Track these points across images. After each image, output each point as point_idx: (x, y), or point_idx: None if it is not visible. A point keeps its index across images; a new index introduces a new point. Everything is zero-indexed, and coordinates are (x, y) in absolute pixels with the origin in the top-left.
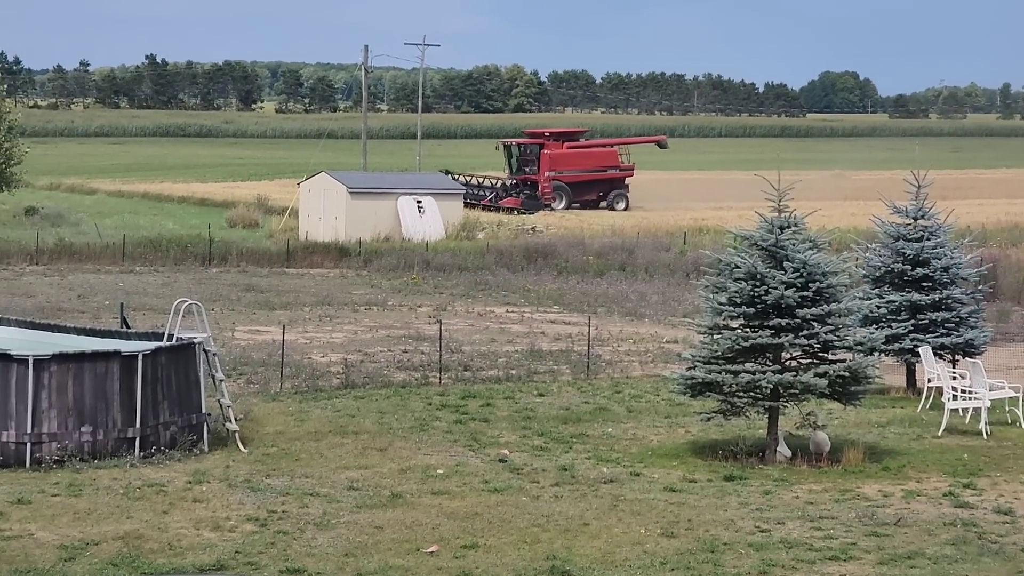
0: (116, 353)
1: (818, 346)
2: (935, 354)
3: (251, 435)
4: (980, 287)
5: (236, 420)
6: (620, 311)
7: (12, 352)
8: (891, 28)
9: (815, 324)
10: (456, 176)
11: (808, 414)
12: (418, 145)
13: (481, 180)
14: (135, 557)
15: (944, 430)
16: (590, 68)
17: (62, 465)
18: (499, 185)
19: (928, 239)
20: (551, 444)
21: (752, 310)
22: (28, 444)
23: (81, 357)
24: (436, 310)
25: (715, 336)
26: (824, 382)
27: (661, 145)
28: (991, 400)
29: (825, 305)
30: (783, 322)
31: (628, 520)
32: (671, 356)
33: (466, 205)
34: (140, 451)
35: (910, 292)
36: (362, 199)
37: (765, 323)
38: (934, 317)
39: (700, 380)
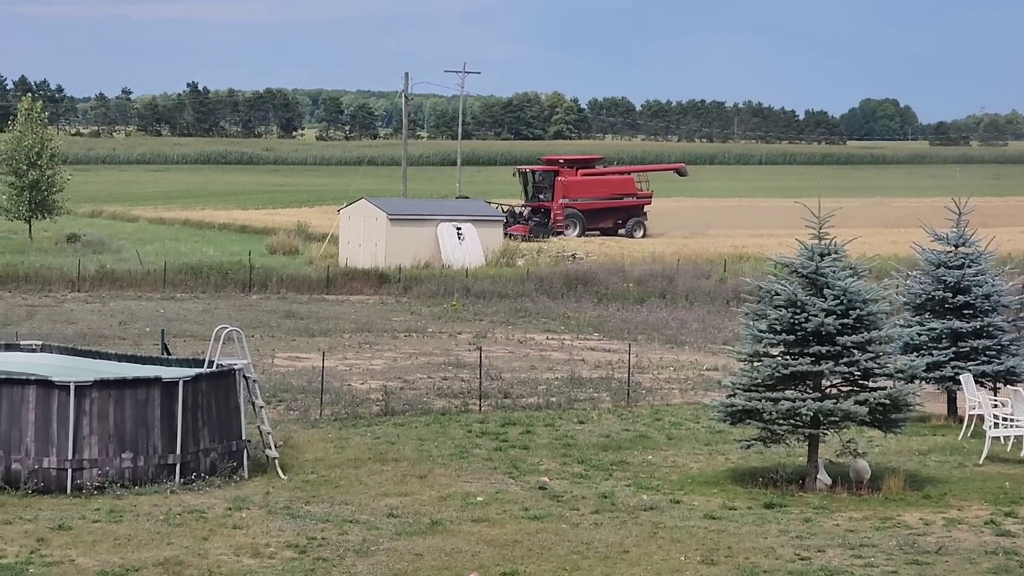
0: (157, 380)
1: (858, 374)
2: (976, 382)
3: (291, 462)
4: (1021, 315)
5: (276, 447)
6: (660, 338)
7: (54, 378)
8: (932, 55)
9: (855, 351)
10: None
11: (848, 442)
12: (458, 172)
13: (497, 207)
14: None
15: (985, 458)
16: (630, 95)
17: (103, 491)
18: (507, 211)
19: (969, 266)
20: (591, 471)
21: (792, 337)
22: (69, 470)
23: (122, 383)
24: (476, 337)
25: (755, 363)
26: (864, 409)
27: (680, 173)
28: None
29: (865, 332)
30: (823, 349)
31: (668, 547)
32: (711, 384)
33: None
34: (180, 477)
35: (951, 320)
36: (402, 226)
37: (805, 350)
38: (975, 345)
39: (740, 407)
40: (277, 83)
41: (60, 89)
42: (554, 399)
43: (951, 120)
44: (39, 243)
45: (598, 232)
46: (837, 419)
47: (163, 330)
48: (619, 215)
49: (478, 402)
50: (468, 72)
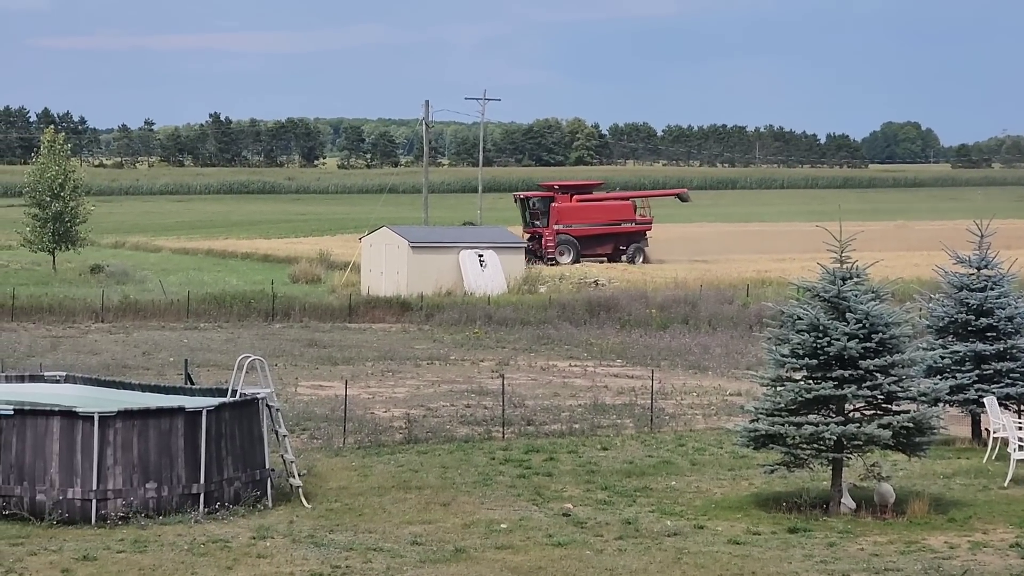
0: (180, 409)
1: (882, 397)
2: (1000, 404)
3: (314, 490)
4: None
5: (299, 475)
6: (683, 364)
7: (78, 409)
8: (953, 78)
9: (878, 375)
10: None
11: (872, 465)
12: (479, 199)
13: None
14: None
15: (1010, 481)
16: (651, 120)
17: (127, 521)
18: None
19: (992, 289)
20: (615, 498)
21: (815, 362)
22: (93, 500)
23: (146, 413)
24: (499, 364)
25: (778, 388)
26: (888, 433)
27: (682, 198)
28: None
29: (888, 356)
30: (846, 373)
31: (692, 573)
32: (734, 409)
33: None
34: (204, 507)
35: (974, 342)
36: (424, 253)
37: (828, 374)
38: (999, 367)
39: (763, 432)
40: (298, 112)
41: (83, 121)
42: (577, 426)
43: (973, 142)
44: (63, 274)
45: (602, 259)
46: (861, 443)
47: (187, 360)
48: (618, 241)
49: (501, 429)
50: (488, 99)
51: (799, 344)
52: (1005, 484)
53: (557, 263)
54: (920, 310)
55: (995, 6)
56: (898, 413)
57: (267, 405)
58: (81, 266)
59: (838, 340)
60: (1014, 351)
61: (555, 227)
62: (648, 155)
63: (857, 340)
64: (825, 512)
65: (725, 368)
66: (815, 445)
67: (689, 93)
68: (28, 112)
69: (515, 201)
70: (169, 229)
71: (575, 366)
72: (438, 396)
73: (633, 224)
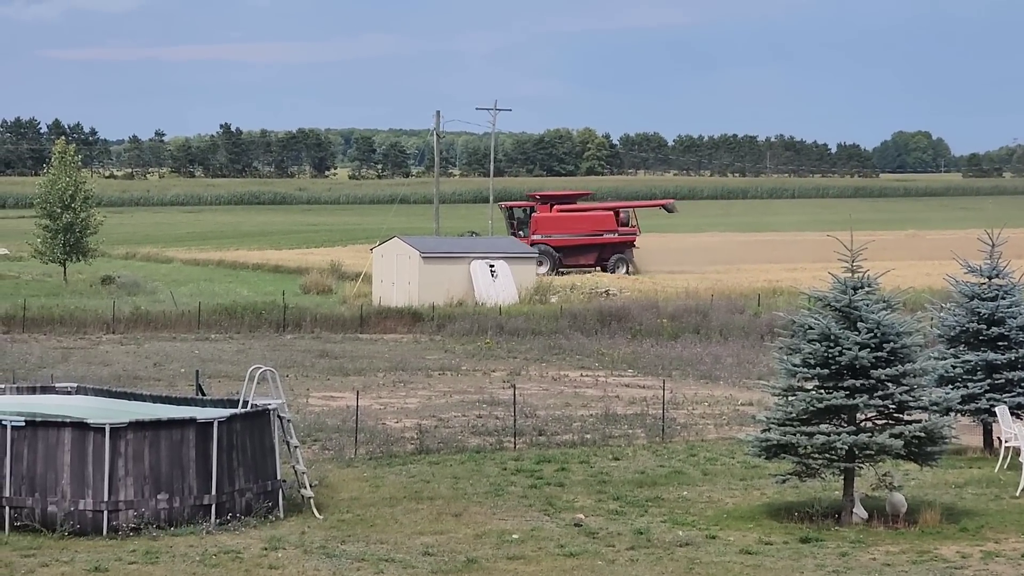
0: (192, 420)
1: (893, 407)
2: (1012, 413)
3: (326, 501)
4: None
5: (311, 486)
6: (695, 374)
7: (89, 420)
8: (963, 87)
9: (890, 384)
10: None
11: (884, 475)
12: (490, 209)
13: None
14: None
15: (1022, 490)
16: (662, 130)
17: (139, 533)
18: None
19: (1003, 298)
20: (626, 508)
21: (826, 371)
22: (105, 512)
23: (157, 425)
24: (510, 375)
25: (789, 398)
26: (900, 443)
27: (668, 209)
28: None
29: (900, 365)
30: (857, 383)
31: None
32: (746, 419)
33: None
34: (216, 518)
35: (985, 351)
36: (435, 264)
37: (839, 384)
38: (1010, 376)
39: (775, 442)
40: (309, 123)
41: (94, 132)
42: (589, 436)
43: (984, 152)
44: (74, 285)
45: (585, 269)
46: (872, 452)
47: (198, 371)
48: (602, 252)
49: (513, 440)
50: (499, 109)
51: (811, 354)
52: (1017, 493)
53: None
54: (931, 319)
55: (1007, 16)
56: (910, 423)
57: (278, 416)
58: (92, 277)
59: (849, 350)
60: None
61: (533, 237)
62: (659, 165)
63: (869, 350)
64: (837, 522)
65: (736, 378)
66: (827, 455)
67: (700, 103)
68: (39, 123)
69: (501, 210)
70: (180, 240)
71: (586, 376)
72: (449, 407)
73: (616, 235)
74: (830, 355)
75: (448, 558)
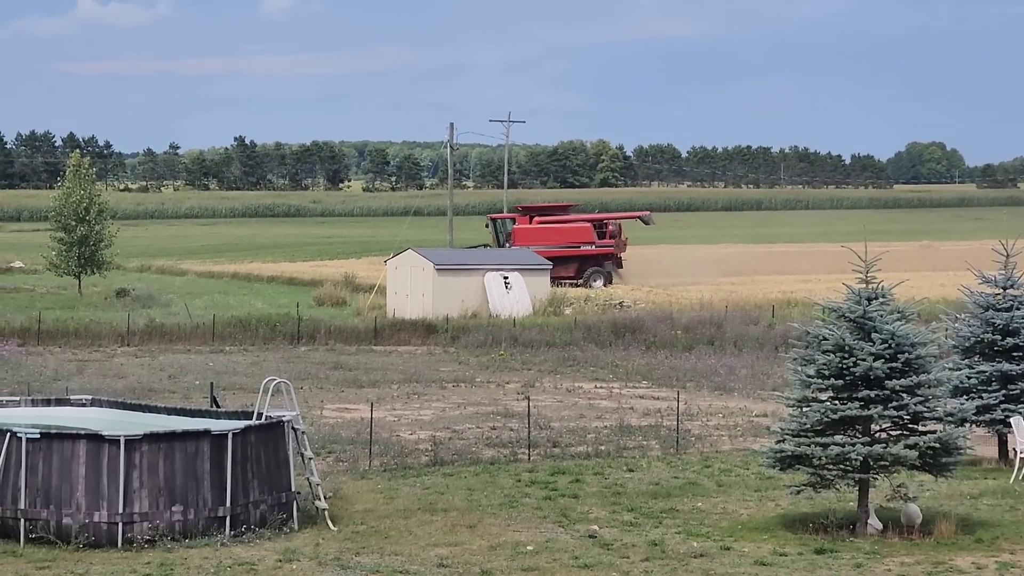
0: (206, 432)
1: (908, 417)
2: None
3: (340, 513)
4: None
5: (325, 498)
6: (709, 385)
7: (104, 432)
8: (977, 98)
9: (904, 395)
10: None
11: (899, 486)
12: None
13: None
14: None
15: None
16: (676, 142)
17: (153, 545)
18: None
19: (1018, 308)
20: (641, 519)
21: (841, 382)
22: (120, 524)
23: (172, 437)
24: (524, 386)
25: (804, 409)
26: (914, 454)
27: (645, 221)
28: None
29: (914, 376)
30: (872, 394)
31: None
32: (760, 430)
33: None
34: (231, 530)
35: (1000, 362)
36: (449, 276)
37: (854, 395)
38: None
39: (789, 453)
40: (323, 135)
41: (108, 145)
42: (603, 447)
43: (998, 162)
44: (88, 298)
45: (565, 282)
46: (887, 463)
47: (212, 383)
48: (583, 263)
49: (527, 451)
50: (513, 121)
51: (825, 365)
52: None
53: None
54: (946, 330)
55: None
56: (924, 433)
57: (293, 428)
58: (107, 290)
59: (864, 360)
60: None
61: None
62: (673, 176)
63: (883, 360)
64: (852, 533)
65: (751, 389)
66: (841, 466)
67: (714, 114)
68: (54, 136)
69: (486, 225)
70: (194, 253)
71: (601, 388)
72: (464, 418)
73: (593, 247)
74: (844, 366)
75: (463, 570)
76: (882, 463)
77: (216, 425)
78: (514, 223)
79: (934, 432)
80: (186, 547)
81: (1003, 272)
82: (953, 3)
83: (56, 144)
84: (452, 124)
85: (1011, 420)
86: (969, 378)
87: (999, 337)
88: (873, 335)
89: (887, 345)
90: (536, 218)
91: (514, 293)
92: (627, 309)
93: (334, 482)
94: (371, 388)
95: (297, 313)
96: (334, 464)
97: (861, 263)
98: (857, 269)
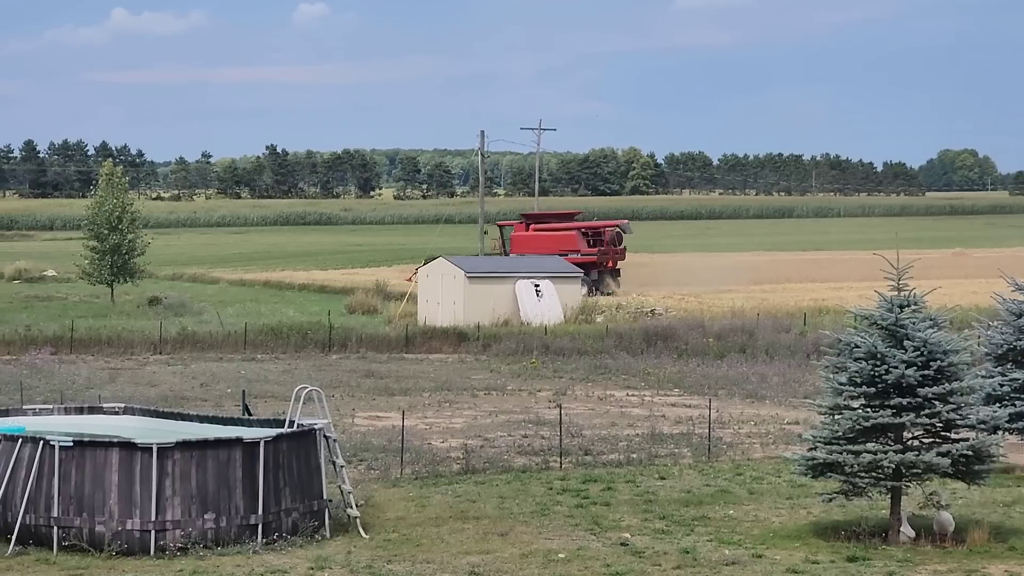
0: (238, 440)
1: (940, 425)
2: None
3: (372, 521)
4: None
5: (357, 506)
6: (741, 393)
7: (136, 440)
8: (1009, 105)
9: (937, 403)
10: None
11: (931, 494)
12: None
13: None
14: None
15: None
16: (707, 149)
17: (186, 552)
18: None
19: None
20: (673, 527)
21: (873, 390)
22: (152, 532)
23: (204, 445)
24: (556, 394)
25: (836, 416)
26: (947, 461)
27: (623, 230)
28: None
29: (947, 384)
30: (904, 401)
31: None
32: (792, 437)
33: None
34: (263, 538)
35: None
36: (480, 284)
37: (886, 402)
38: None
39: (821, 461)
40: (354, 144)
41: (141, 154)
42: (635, 455)
43: None
44: (121, 307)
45: None
46: (919, 471)
47: (244, 391)
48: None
49: (559, 459)
50: (544, 129)
51: (857, 372)
52: None
53: None
54: (978, 338)
55: None
56: (957, 441)
57: (324, 436)
58: (139, 298)
59: (896, 368)
60: None
61: (512, 255)
62: (704, 184)
63: (915, 368)
64: (884, 541)
65: (783, 397)
66: (873, 473)
67: (745, 122)
68: (86, 146)
69: (486, 232)
70: (226, 261)
71: (632, 396)
72: (495, 426)
73: (579, 255)
74: (876, 373)
75: None
76: (914, 471)
77: (248, 433)
78: (513, 230)
79: (967, 440)
80: (218, 555)
81: None
82: (985, 10)
83: (89, 153)
84: (483, 132)
85: None
86: (1002, 385)
87: None
88: (905, 343)
89: (919, 353)
90: (532, 225)
91: (545, 301)
92: (659, 317)
93: (366, 490)
94: (402, 396)
95: (328, 321)
96: (366, 472)
97: (893, 270)
98: (889, 276)
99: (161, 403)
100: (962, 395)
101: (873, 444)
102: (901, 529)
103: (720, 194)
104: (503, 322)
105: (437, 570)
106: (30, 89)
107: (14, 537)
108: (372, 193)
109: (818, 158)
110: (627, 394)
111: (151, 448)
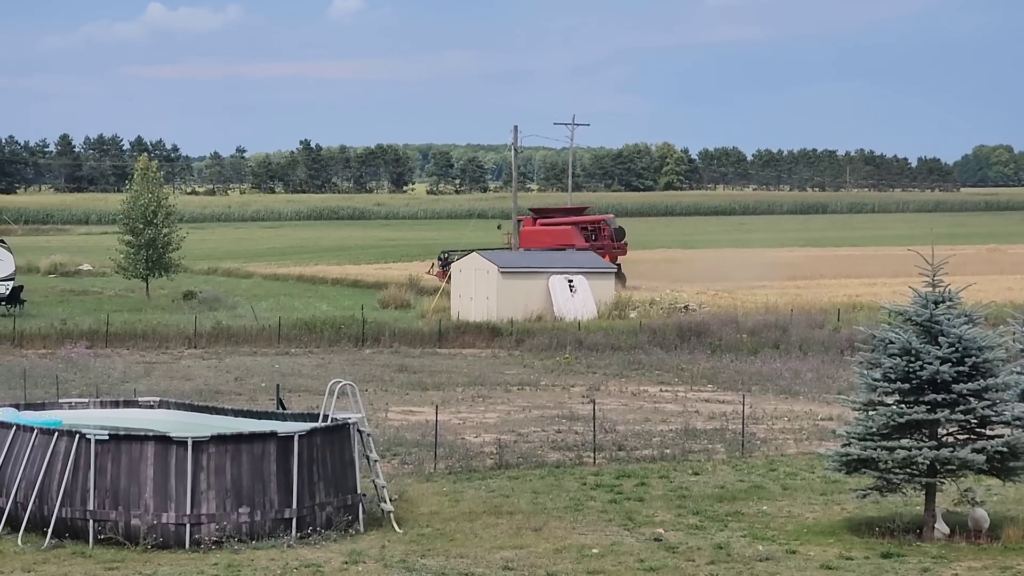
0: (273, 434)
1: (975, 421)
2: None
3: (406, 515)
4: None
5: (391, 500)
6: (774, 389)
7: (172, 434)
8: None
9: (971, 399)
10: (446, 253)
11: (966, 490)
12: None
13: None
14: None
15: None
16: (741, 145)
17: (220, 546)
18: (444, 258)
19: None
20: (706, 522)
21: (907, 386)
22: (187, 525)
23: (238, 438)
24: (589, 390)
25: (870, 412)
26: (982, 458)
27: (607, 224)
28: None
29: (981, 380)
30: (939, 397)
31: None
32: (826, 433)
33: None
34: (297, 532)
35: None
36: (513, 279)
37: (920, 399)
38: None
39: (855, 457)
40: (388, 139)
41: (176, 148)
42: (668, 451)
43: None
44: (156, 301)
45: None
46: (954, 467)
47: (278, 385)
48: None
49: (592, 455)
50: (577, 124)
51: (891, 368)
52: None
53: None
54: (1014, 334)
55: None
56: (992, 437)
57: (358, 430)
58: (174, 292)
59: (930, 364)
60: None
61: (521, 249)
62: (738, 180)
63: (950, 364)
64: (918, 537)
65: (816, 393)
66: (908, 470)
67: (779, 117)
68: (122, 140)
69: (499, 226)
70: (260, 255)
71: (666, 391)
72: (529, 421)
73: (575, 249)
74: (911, 369)
75: (528, 572)
76: (949, 467)
77: (283, 427)
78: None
79: (1002, 436)
80: (252, 548)
81: None
82: (1020, 5)
83: (124, 148)
84: (516, 127)
85: None
86: None
87: None
88: (940, 339)
89: (954, 349)
90: (539, 220)
91: (579, 296)
92: (692, 312)
93: (399, 484)
94: (436, 391)
95: (362, 315)
96: (399, 467)
97: (927, 266)
98: (923, 272)
99: (196, 397)
100: (997, 391)
101: (907, 440)
102: (935, 526)
103: (754, 190)
104: (536, 317)
105: (471, 565)
106: (66, 84)
107: (50, 530)
108: (405, 188)
109: (852, 154)
110: (660, 390)
111: (186, 442)
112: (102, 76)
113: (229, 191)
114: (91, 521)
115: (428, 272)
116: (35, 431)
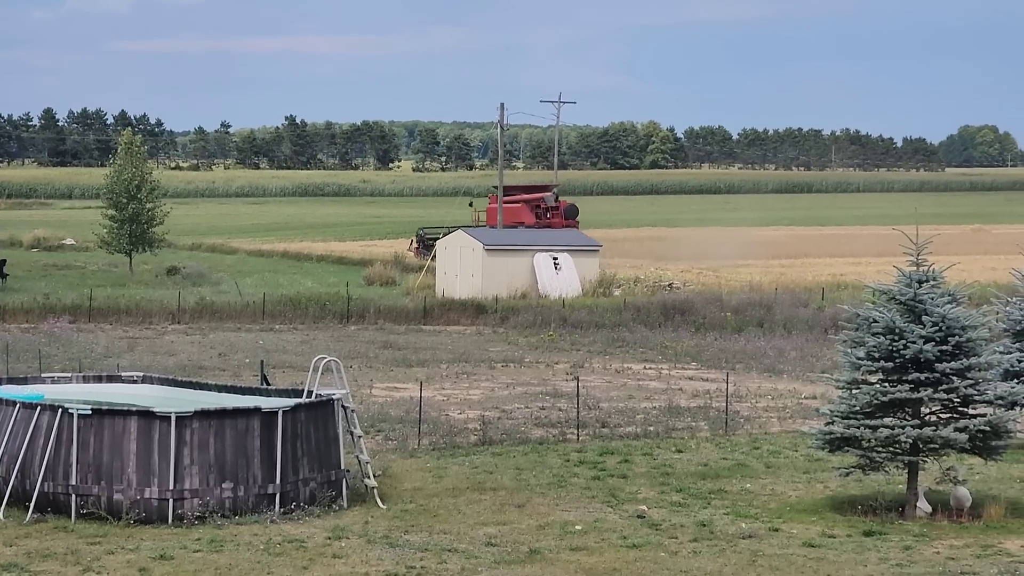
0: (256, 410)
1: (958, 400)
2: None
3: (389, 491)
4: None
5: (374, 476)
6: (758, 367)
7: (155, 409)
8: None
9: (954, 378)
10: (423, 231)
11: (948, 469)
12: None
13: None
14: None
15: None
16: (727, 124)
17: (203, 521)
18: (421, 236)
19: None
20: (689, 500)
21: (890, 364)
22: (170, 500)
23: (222, 414)
24: (573, 367)
25: (853, 391)
26: (964, 436)
27: (554, 196)
28: None
29: (964, 359)
30: (922, 376)
31: (767, 575)
32: (809, 412)
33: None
34: (280, 507)
35: None
36: (498, 256)
37: (904, 377)
38: None
39: (839, 435)
40: (374, 115)
41: (160, 123)
42: (652, 428)
43: None
44: (139, 276)
45: None
46: (936, 446)
47: (262, 361)
48: None
49: (576, 431)
50: (564, 102)
51: (875, 347)
52: None
53: None
54: (997, 313)
55: None
56: (974, 416)
57: (342, 406)
58: (157, 268)
59: (914, 343)
60: None
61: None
62: (724, 158)
63: (933, 343)
64: (900, 515)
65: (800, 371)
66: (891, 448)
67: (765, 96)
68: (106, 114)
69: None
70: (245, 231)
71: (649, 369)
72: (512, 398)
73: (525, 226)
74: (894, 348)
75: (511, 549)
76: (931, 446)
77: (266, 403)
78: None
79: (984, 415)
80: (236, 524)
81: None
82: None
83: (108, 122)
84: (503, 104)
85: None
86: (1020, 361)
87: None
88: (923, 318)
89: (937, 328)
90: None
91: (563, 274)
92: (677, 291)
93: (383, 461)
94: (420, 368)
95: (347, 292)
96: (383, 443)
97: (912, 246)
98: (908, 252)
99: (179, 372)
100: (980, 371)
101: (890, 419)
102: (918, 504)
103: (739, 168)
104: (521, 295)
105: (454, 540)
106: (50, 58)
107: (32, 505)
108: (391, 165)
109: (838, 133)
110: (644, 367)
111: (169, 417)
112: (86, 50)
113: (214, 166)
114: (74, 496)
115: (408, 250)
116: (17, 405)
